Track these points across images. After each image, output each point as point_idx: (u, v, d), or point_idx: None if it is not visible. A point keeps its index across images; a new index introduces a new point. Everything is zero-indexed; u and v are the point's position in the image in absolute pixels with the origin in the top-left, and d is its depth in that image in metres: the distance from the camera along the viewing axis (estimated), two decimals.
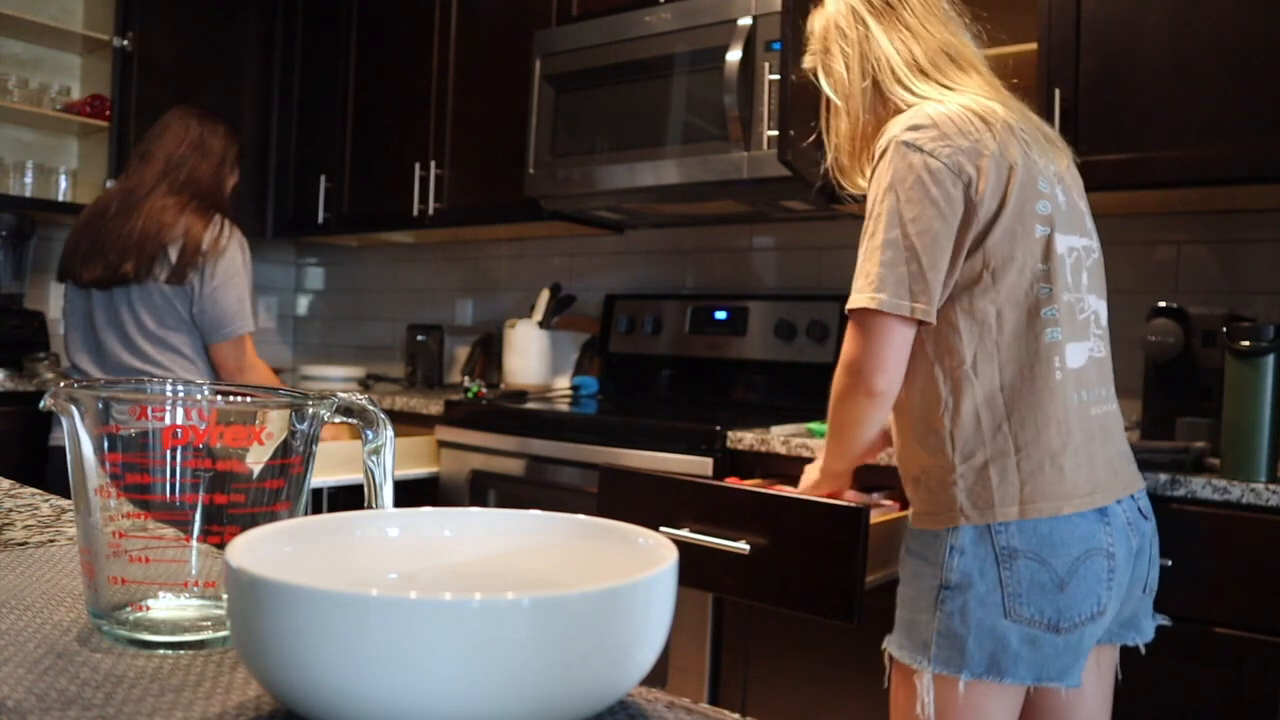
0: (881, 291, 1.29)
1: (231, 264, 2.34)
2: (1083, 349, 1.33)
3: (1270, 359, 1.62)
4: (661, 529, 1.62)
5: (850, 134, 1.46)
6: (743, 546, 1.54)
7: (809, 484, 1.57)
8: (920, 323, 1.31)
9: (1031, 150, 1.32)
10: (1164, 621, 1.44)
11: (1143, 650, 1.43)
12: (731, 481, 1.78)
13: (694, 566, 1.60)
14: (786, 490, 1.58)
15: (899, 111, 1.37)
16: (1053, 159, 1.36)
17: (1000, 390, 1.30)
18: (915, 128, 1.30)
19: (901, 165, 1.30)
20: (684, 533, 1.60)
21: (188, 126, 2.41)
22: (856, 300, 1.32)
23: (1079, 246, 1.36)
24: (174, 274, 2.27)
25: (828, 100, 1.50)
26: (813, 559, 1.48)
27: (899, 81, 1.39)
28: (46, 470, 2.37)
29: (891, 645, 1.37)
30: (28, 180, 3.31)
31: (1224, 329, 1.68)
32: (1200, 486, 1.62)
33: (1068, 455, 1.27)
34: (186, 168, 2.37)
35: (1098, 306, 1.39)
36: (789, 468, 2.04)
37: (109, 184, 3.25)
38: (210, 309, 2.32)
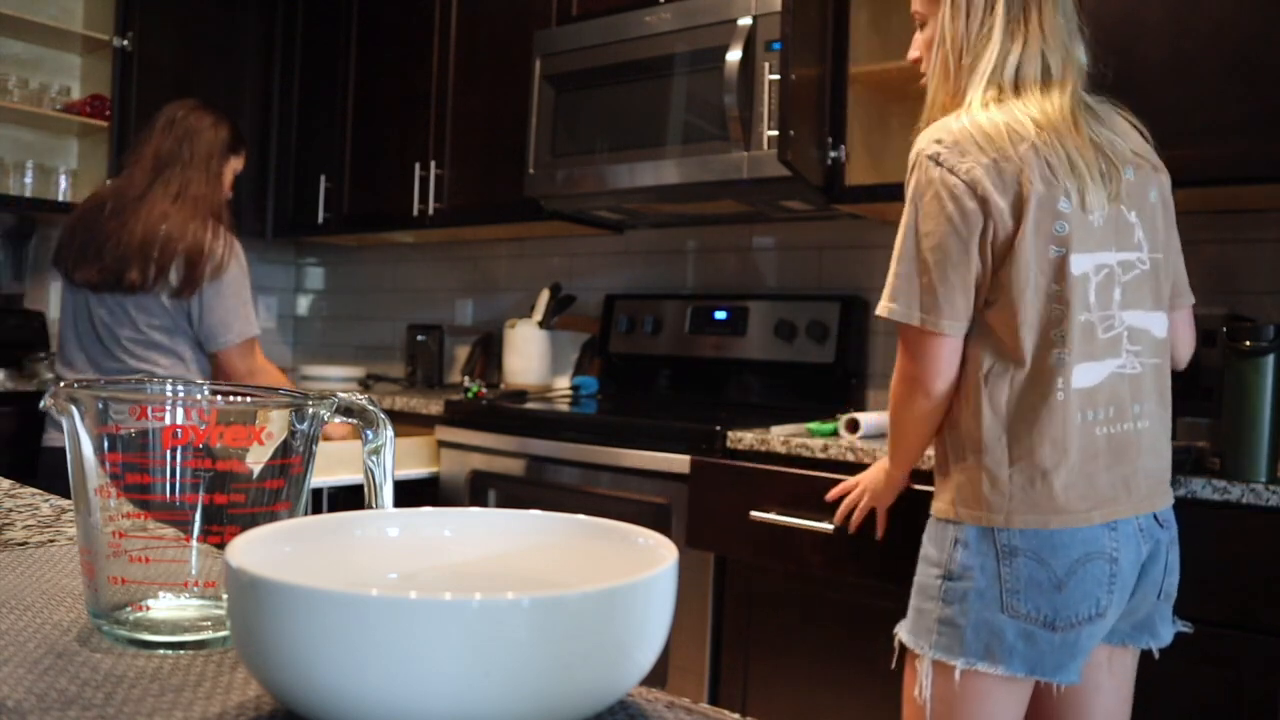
0: (894, 301, 1.35)
1: (231, 278, 2.31)
2: (1101, 368, 1.33)
3: (1270, 359, 1.62)
4: (752, 513, 1.92)
5: (932, 103, 1.45)
6: (827, 526, 1.77)
7: (875, 490, 1.65)
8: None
9: (1058, 172, 1.31)
10: (1184, 628, 1.45)
11: (1156, 654, 1.43)
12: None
13: (780, 547, 1.88)
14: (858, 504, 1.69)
15: (959, 99, 1.39)
16: (1097, 174, 1.34)
17: (1007, 404, 1.33)
18: (939, 141, 1.33)
19: (923, 179, 1.34)
20: (771, 516, 1.88)
21: (173, 120, 2.37)
22: (880, 308, 1.38)
23: (1113, 263, 1.35)
24: (177, 289, 2.26)
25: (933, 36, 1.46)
26: (888, 536, 1.68)
27: (982, 82, 1.38)
28: (38, 469, 2.37)
29: (901, 630, 1.41)
30: (28, 180, 3.31)
31: (1224, 329, 1.68)
32: (1200, 486, 1.62)
33: (1059, 474, 1.29)
34: (178, 168, 2.31)
35: (1137, 321, 1.37)
36: (789, 468, 2.04)
37: (107, 183, 3.24)
38: (209, 318, 2.30)
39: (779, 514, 1.87)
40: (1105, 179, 1.35)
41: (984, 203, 1.30)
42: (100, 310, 2.30)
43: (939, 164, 1.32)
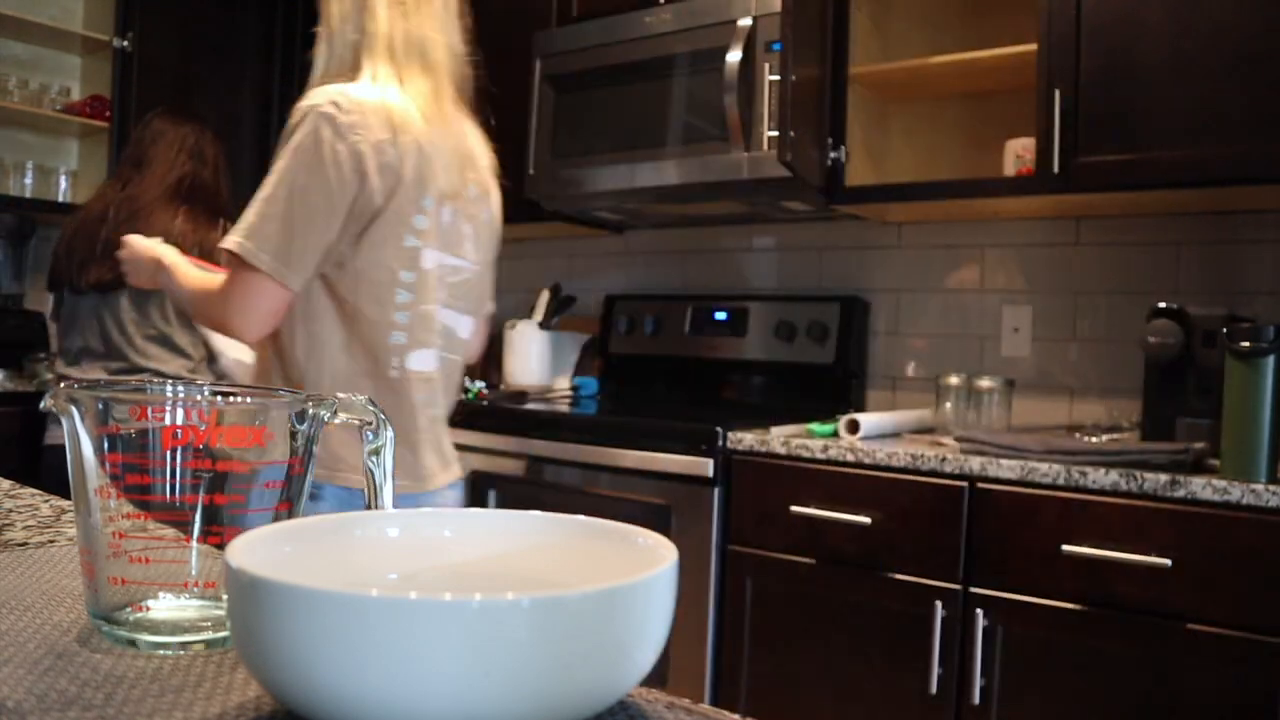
0: (250, 240, 1.35)
1: None
2: (431, 355, 1.47)
3: (1270, 360, 1.62)
4: (792, 508, 2.02)
5: (323, 71, 1.50)
6: (864, 519, 1.92)
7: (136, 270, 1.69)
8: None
9: (432, 165, 1.41)
10: None
11: None
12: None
13: (818, 540, 2.00)
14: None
15: (354, 74, 1.45)
16: (457, 181, 1.47)
17: (344, 372, 1.41)
18: (337, 104, 1.37)
19: (310, 136, 1.36)
20: (811, 510, 1.99)
21: (183, 135, 2.45)
22: (227, 240, 1.39)
23: (449, 265, 1.47)
24: None
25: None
26: (922, 528, 1.86)
27: (370, 53, 1.45)
28: (40, 469, 2.38)
29: None
30: (28, 181, 3.31)
31: (1224, 329, 1.68)
32: (1200, 487, 1.62)
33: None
34: (189, 176, 2.40)
35: (450, 320, 1.50)
36: (789, 468, 2.04)
37: (103, 192, 3.26)
38: None
39: (816, 508, 2.00)
40: (463, 184, 1.48)
41: (362, 177, 1.36)
42: (111, 310, 2.33)
43: (332, 126, 1.35)
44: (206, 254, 2.31)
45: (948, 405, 2.23)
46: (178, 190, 2.38)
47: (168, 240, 2.28)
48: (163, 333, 2.33)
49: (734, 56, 2.33)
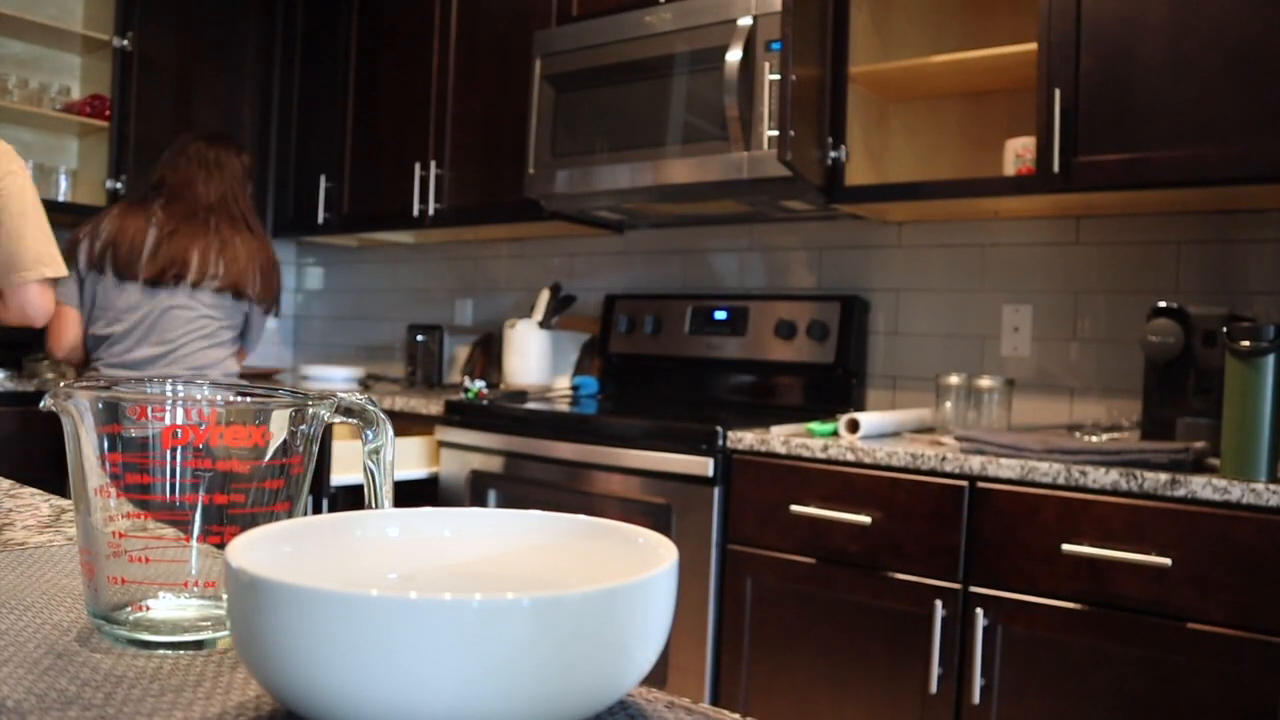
0: None
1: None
2: None
3: (1270, 359, 1.62)
4: (792, 507, 2.02)
5: None
6: (864, 519, 1.92)
7: None
8: None
9: None
10: None
11: None
12: None
13: (818, 539, 2.00)
14: None
15: None
16: None
17: None
18: None
19: None
20: (811, 509, 1.99)
21: (207, 157, 2.61)
22: None
23: None
24: (261, 290, 2.61)
25: None
26: (922, 527, 1.86)
27: None
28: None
29: None
30: None
31: (1224, 329, 1.68)
32: (1200, 486, 1.62)
33: None
34: (239, 201, 2.62)
35: None
36: (789, 467, 2.04)
37: (106, 183, 3.27)
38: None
39: (817, 507, 2.00)
40: None
41: None
42: (167, 305, 2.46)
43: None
44: (231, 261, 2.51)
45: (948, 405, 2.24)
46: (230, 214, 2.58)
47: (207, 251, 2.46)
48: (223, 340, 2.49)
49: (734, 56, 2.33)
